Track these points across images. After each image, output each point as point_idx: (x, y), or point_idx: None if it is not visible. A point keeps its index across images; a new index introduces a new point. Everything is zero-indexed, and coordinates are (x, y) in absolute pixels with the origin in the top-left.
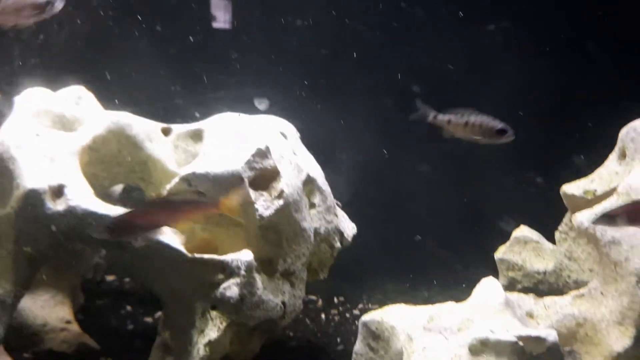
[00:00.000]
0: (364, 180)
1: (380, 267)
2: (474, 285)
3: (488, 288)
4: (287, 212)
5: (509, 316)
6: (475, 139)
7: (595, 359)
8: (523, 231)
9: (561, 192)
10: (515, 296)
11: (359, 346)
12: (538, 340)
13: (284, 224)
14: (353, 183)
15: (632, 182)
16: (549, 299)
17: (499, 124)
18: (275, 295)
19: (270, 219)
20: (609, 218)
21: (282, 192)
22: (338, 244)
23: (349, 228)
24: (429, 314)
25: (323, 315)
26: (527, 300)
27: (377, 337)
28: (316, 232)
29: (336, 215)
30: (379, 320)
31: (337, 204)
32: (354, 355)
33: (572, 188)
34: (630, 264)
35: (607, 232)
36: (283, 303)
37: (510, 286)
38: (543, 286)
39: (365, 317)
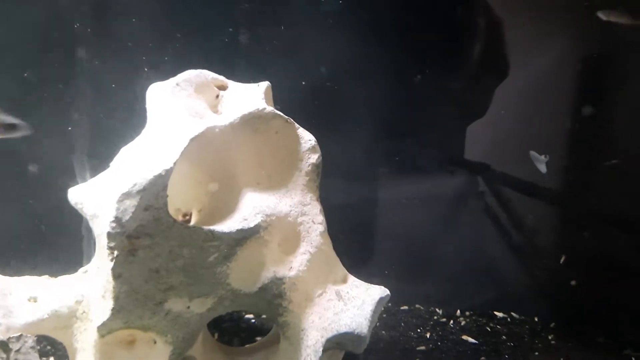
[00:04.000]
0: None
1: None
2: None
3: None
4: None
5: None
6: None
7: (90, 335)
8: None
9: None
10: (24, 279)
11: None
12: None
13: None
14: None
15: None
16: (61, 279)
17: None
18: None
19: None
20: None
21: None
22: None
23: None
24: None
25: None
26: (38, 283)
27: None
28: None
29: None
30: None
31: None
32: None
33: None
34: (103, 237)
35: (90, 206)
36: None
37: None
38: None
39: None
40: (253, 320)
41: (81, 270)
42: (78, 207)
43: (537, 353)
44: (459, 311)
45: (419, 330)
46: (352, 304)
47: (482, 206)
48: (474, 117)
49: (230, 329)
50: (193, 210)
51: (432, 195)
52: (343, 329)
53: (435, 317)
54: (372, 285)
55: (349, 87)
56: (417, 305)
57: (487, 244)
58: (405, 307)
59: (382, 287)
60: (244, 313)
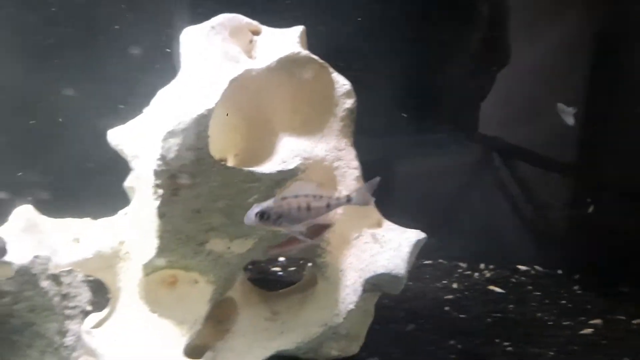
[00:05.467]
0: None
1: None
2: None
3: (15, 217)
4: None
5: (18, 243)
6: None
7: (133, 274)
8: None
9: None
10: (66, 221)
11: None
12: (3, 264)
13: None
14: None
15: None
16: (102, 221)
17: None
18: None
19: None
20: None
21: None
22: None
23: None
24: None
25: None
26: (80, 224)
27: None
28: None
29: None
30: None
31: None
32: None
33: None
34: (146, 177)
35: (131, 147)
36: None
37: None
38: None
39: None
40: (280, 273)
41: (121, 212)
42: (118, 148)
43: (563, 301)
44: (482, 265)
45: (444, 281)
46: (388, 246)
47: (502, 165)
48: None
49: (257, 282)
50: (228, 156)
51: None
52: (380, 270)
53: (459, 270)
54: (408, 229)
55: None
56: (439, 260)
57: (506, 201)
58: (429, 262)
59: (419, 230)
60: (270, 267)
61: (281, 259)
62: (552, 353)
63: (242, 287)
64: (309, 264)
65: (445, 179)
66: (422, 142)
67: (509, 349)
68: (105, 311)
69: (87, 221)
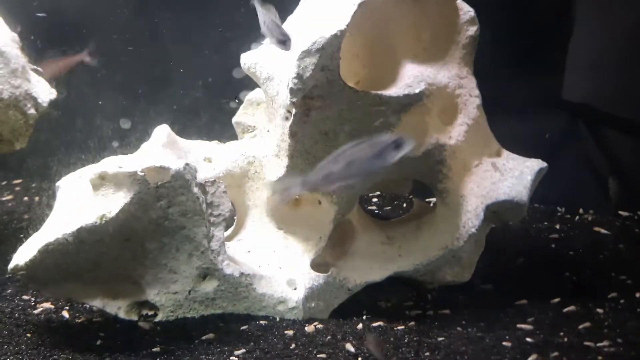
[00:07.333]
0: None
1: None
2: None
3: (157, 133)
4: None
5: (163, 154)
6: None
7: (261, 193)
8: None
9: None
10: (197, 142)
11: None
12: (161, 169)
13: None
14: None
15: None
16: (230, 144)
17: None
18: None
19: None
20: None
21: None
22: (32, 111)
23: (44, 93)
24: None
25: None
26: (210, 146)
27: None
28: None
29: (28, 80)
30: None
31: (36, 69)
32: None
33: None
34: (279, 98)
35: (264, 69)
36: None
37: None
38: None
39: None
40: (377, 212)
41: (248, 135)
42: (251, 71)
43: None
44: (581, 209)
45: (545, 223)
46: (509, 174)
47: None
48: None
49: None
50: (349, 83)
51: None
52: (502, 197)
53: (559, 214)
54: (528, 158)
55: None
56: (536, 205)
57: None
58: None
59: (539, 160)
60: (366, 205)
61: (375, 199)
62: None
63: (358, 213)
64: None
65: None
66: None
67: (629, 281)
68: (233, 226)
69: (215, 144)
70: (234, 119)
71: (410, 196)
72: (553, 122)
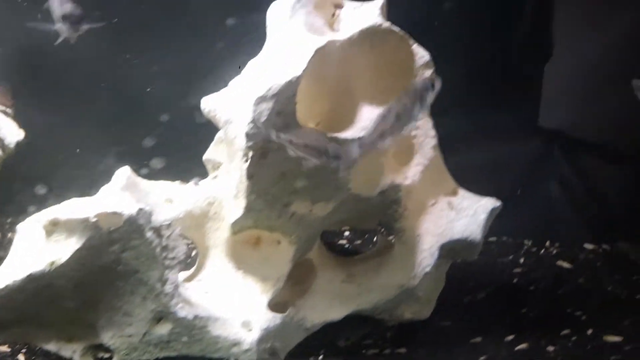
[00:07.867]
0: None
1: None
2: None
3: (116, 176)
4: None
5: (120, 198)
6: None
7: (221, 233)
8: None
9: None
10: (159, 183)
11: None
12: (114, 215)
13: None
14: None
15: None
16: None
17: None
18: None
19: None
20: None
21: None
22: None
23: (12, 134)
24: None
25: None
26: (171, 187)
27: None
28: None
29: None
30: None
31: (4, 110)
32: None
33: None
34: (237, 140)
35: (224, 113)
36: None
37: None
38: None
39: None
40: (347, 246)
41: (211, 175)
42: (211, 115)
43: (636, 277)
44: (548, 242)
45: (511, 256)
46: (464, 213)
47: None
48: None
49: None
50: (310, 125)
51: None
52: (456, 236)
53: (525, 247)
54: (483, 197)
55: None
56: (504, 238)
57: (570, 182)
58: (494, 238)
59: (494, 198)
60: (337, 239)
61: (347, 232)
62: (627, 323)
63: (319, 251)
64: (381, 232)
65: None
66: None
67: (583, 317)
68: (194, 268)
69: (178, 184)
70: (205, 157)
71: (383, 229)
72: (526, 151)
